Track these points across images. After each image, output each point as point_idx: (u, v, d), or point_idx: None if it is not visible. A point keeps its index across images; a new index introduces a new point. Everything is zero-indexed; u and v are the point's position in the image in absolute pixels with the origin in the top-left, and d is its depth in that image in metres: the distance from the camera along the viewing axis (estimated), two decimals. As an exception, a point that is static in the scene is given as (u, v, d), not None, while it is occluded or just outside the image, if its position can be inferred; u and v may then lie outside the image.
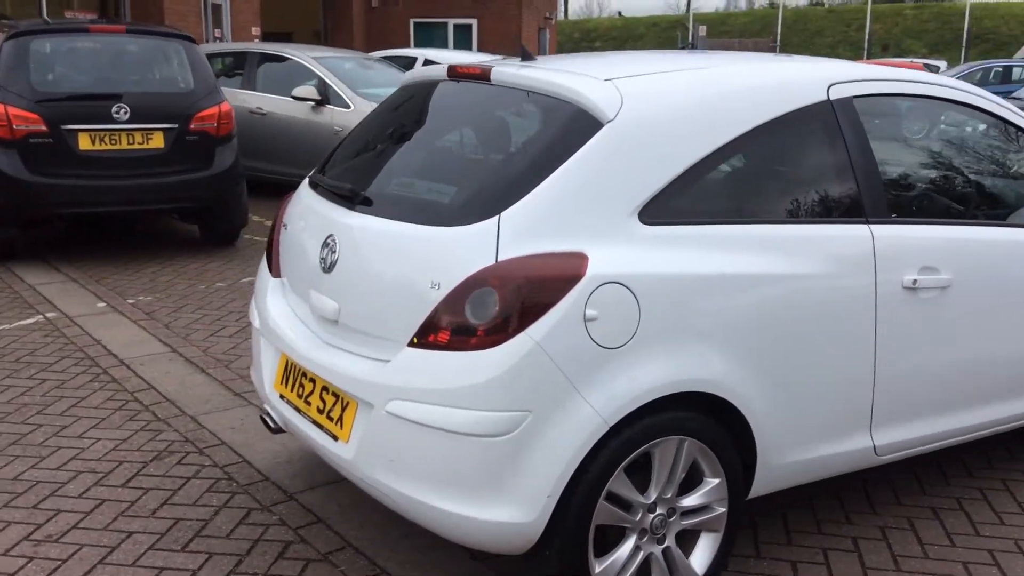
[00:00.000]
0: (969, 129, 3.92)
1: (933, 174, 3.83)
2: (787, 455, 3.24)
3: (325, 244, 3.23)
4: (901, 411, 3.51)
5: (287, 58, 11.22)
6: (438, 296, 2.81)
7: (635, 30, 48.70)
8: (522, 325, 2.70)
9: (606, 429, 2.77)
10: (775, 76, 3.40)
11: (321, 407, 3.20)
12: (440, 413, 2.76)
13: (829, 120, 3.36)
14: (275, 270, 3.70)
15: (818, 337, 3.20)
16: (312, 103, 10.66)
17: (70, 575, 3.32)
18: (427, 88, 3.64)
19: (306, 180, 3.77)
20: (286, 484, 4.01)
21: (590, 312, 2.75)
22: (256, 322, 3.69)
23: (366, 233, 3.12)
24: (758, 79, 3.35)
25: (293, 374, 3.38)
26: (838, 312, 3.24)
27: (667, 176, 2.97)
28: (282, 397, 3.44)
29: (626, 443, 2.82)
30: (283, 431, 3.57)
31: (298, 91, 10.68)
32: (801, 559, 3.52)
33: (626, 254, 2.84)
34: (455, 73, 3.44)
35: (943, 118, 3.84)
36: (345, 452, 3.04)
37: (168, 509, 3.80)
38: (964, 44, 31.71)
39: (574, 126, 2.96)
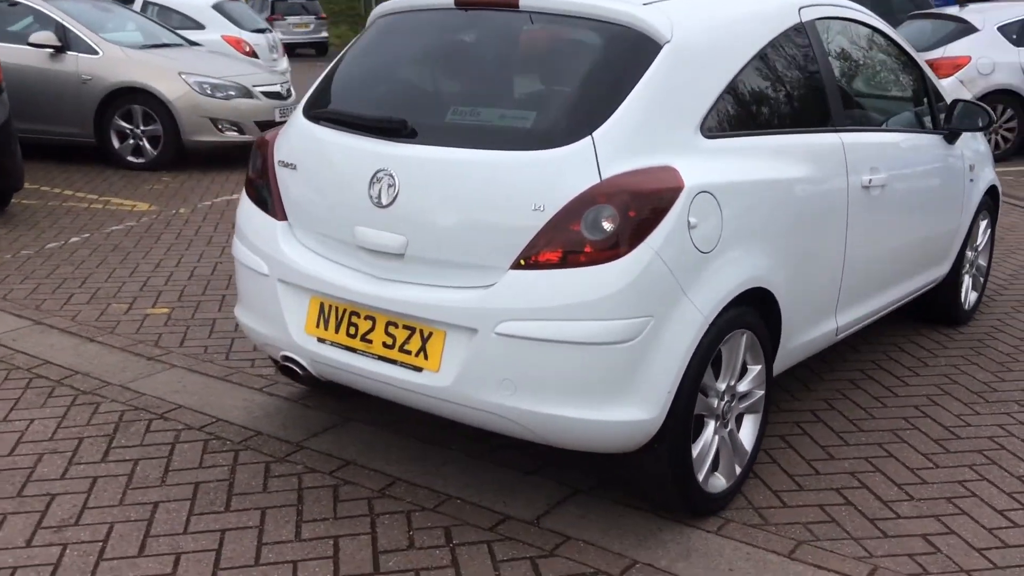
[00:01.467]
0: (877, 51, 4.52)
1: (864, 89, 4.40)
2: (795, 339, 3.69)
3: (375, 179, 3.17)
4: (855, 294, 4.07)
5: (17, 1, 10.03)
6: (543, 218, 2.90)
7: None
8: (640, 236, 2.88)
9: (707, 327, 3.03)
10: (761, 1, 3.75)
11: (389, 342, 3.16)
12: (564, 327, 2.87)
13: (804, 40, 3.78)
14: (279, 213, 3.52)
15: (818, 232, 3.65)
16: (51, 50, 9.66)
17: (124, 552, 3.08)
18: (426, 17, 3.56)
19: (300, 114, 3.59)
20: (285, 435, 3.89)
21: (692, 220, 2.98)
22: (263, 268, 3.48)
23: (439, 164, 3.08)
24: (754, 3, 3.69)
25: (336, 315, 3.29)
26: (828, 209, 3.70)
27: (715, 92, 3.25)
28: (322, 340, 3.32)
29: (714, 339, 3.10)
30: (315, 379, 3.47)
31: (35, 38, 9.63)
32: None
33: (701, 165, 3.09)
34: (465, 1, 3.44)
35: (863, 41, 4.39)
36: (437, 381, 3.06)
37: (176, 475, 3.58)
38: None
39: (637, 48, 3.13)
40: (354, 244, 3.25)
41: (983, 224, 5.43)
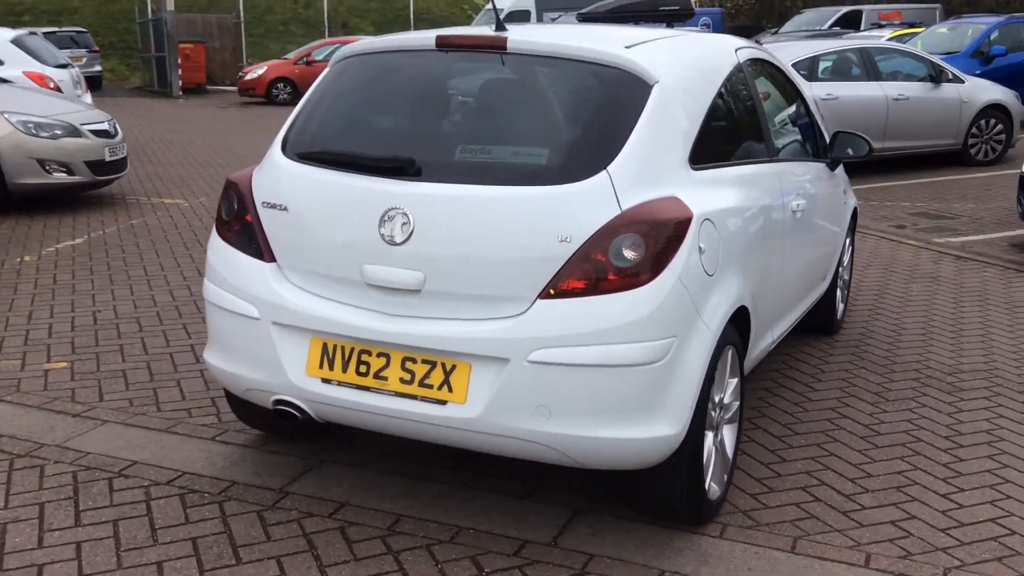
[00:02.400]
0: (781, 88, 4.96)
1: (776, 123, 4.81)
2: (752, 353, 4.02)
3: (386, 218, 3.20)
4: (784, 308, 4.46)
5: None
6: (570, 248, 3.04)
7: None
8: (664, 262, 3.09)
9: (715, 344, 3.27)
10: (709, 43, 4.08)
11: (407, 378, 3.18)
12: (599, 351, 3.02)
13: (743, 79, 4.14)
14: (266, 254, 3.45)
15: (770, 253, 4.01)
16: None
17: (151, 617, 2.94)
18: (407, 57, 3.65)
19: (281, 155, 3.54)
20: (263, 483, 3.79)
21: (701, 245, 3.22)
22: (252, 311, 3.40)
23: (456, 200, 3.15)
24: (705, 45, 4.00)
25: (342, 354, 3.27)
26: (775, 232, 4.06)
27: (696, 127, 3.52)
28: (328, 381, 3.29)
29: (716, 355, 3.35)
30: (315, 421, 3.43)
31: None
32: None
33: (696, 194, 3.34)
34: (449, 43, 3.53)
35: (771, 79, 4.81)
36: (464, 412, 3.11)
37: (167, 533, 3.43)
38: (411, 24, 34.75)
39: (632, 89, 3.35)
40: (361, 282, 3.25)
41: (847, 242, 6.03)
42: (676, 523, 3.51)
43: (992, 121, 12.45)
